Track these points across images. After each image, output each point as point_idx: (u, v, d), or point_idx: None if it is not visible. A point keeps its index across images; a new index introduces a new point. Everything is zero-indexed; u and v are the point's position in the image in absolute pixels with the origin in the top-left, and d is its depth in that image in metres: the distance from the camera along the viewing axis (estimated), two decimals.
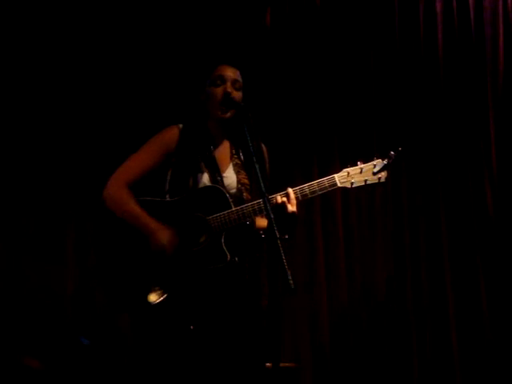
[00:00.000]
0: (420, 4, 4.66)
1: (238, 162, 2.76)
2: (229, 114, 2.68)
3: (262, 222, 2.71)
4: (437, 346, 4.32)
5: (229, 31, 4.42)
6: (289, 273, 2.09)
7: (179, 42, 4.33)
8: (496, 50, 4.64)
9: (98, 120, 4.20)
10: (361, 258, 4.40)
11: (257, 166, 2.32)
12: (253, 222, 2.68)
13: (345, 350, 4.27)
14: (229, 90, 2.67)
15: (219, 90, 2.68)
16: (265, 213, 2.49)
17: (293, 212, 2.54)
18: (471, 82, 4.60)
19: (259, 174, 2.31)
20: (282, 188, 2.60)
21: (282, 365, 2.61)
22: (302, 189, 2.58)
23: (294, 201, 2.55)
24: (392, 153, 2.59)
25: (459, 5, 4.66)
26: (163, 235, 2.55)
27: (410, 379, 4.26)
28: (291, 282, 2.08)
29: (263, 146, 2.80)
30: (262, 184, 2.31)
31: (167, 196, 2.67)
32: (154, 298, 2.53)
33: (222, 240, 2.56)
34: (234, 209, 2.56)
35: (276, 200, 2.54)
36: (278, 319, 2.35)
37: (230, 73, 2.71)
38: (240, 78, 2.73)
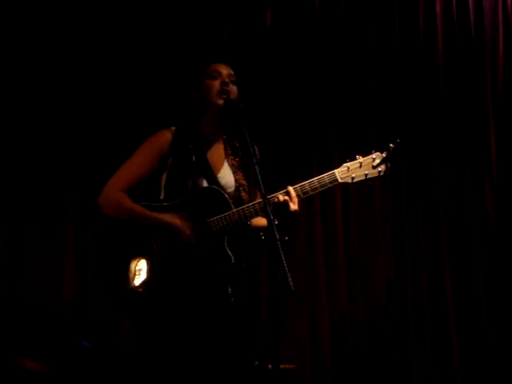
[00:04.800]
0: (420, 6, 4.66)
1: (234, 162, 2.75)
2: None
3: (258, 221, 2.69)
4: (437, 348, 4.31)
5: (228, 32, 4.43)
6: (289, 274, 2.09)
7: (177, 43, 4.33)
8: (496, 51, 4.64)
9: (95, 118, 4.20)
10: (361, 260, 4.39)
11: (256, 168, 2.31)
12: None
13: (344, 352, 4.26)
14: (226, 80, 2.69)
15: (216, 82, 2.69)
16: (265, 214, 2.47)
17: (295, 210, 2.53)
18: (471, 84, 4.59)
19: (259, 176, 2.31)
20: (281, 187, 2.58)
21: (281, 366, 2.60)
22: (302, 186, 2.57)
23: (295, 199, 2.54)
24: (391, 145, 2.57)
25: (459, 7, 4.66)
26: (177, 221, 2.54)
27: (411, 381, 4.26)
28: (291, 283, 2.08)
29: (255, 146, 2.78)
30: (261, 186, 2.31)
31: (164, 200, 2.64)
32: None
33: (225, 242, 2.54)
34: (234, 210, 2.55)
35: (278, 199, 2.53)
36: (278, 321, 2.34)
37: (225, 69, 2.74)
38: (233, 73, 2.75)
